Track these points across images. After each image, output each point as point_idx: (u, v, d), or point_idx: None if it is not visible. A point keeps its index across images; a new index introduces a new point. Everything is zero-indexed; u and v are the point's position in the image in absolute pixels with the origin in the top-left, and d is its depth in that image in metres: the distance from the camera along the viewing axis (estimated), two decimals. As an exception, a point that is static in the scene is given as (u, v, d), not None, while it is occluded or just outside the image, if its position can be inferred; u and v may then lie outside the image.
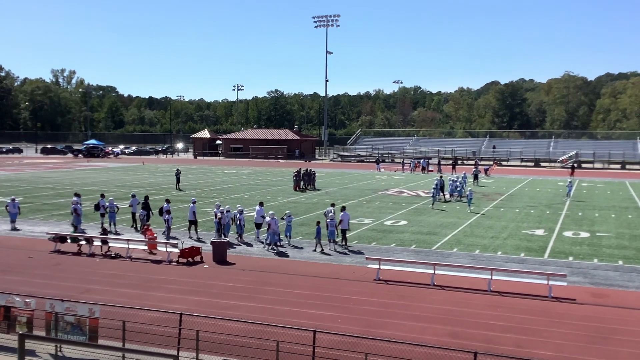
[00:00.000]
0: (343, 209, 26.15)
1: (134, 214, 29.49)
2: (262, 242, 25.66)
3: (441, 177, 44.16)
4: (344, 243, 25.30)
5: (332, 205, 27.91)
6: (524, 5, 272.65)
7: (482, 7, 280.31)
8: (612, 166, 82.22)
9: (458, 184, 42.40)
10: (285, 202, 39.87)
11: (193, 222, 27.29)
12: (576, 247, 25.81)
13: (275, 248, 24.84)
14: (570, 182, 45.04)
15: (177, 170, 49.80)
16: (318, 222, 25.26)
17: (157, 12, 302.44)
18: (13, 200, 29.45)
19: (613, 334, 15.12)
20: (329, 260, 23.02)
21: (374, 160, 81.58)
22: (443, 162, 73.21)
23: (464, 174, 48.60)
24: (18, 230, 28.50)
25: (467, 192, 37.99)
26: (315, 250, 24.45)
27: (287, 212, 26.38)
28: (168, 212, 27.04)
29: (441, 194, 41.04)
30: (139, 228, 28.70)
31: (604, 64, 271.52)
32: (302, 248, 25.07)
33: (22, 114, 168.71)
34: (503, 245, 26.07)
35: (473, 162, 69.87)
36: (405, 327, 15.49)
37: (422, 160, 72.52)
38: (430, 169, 69.72)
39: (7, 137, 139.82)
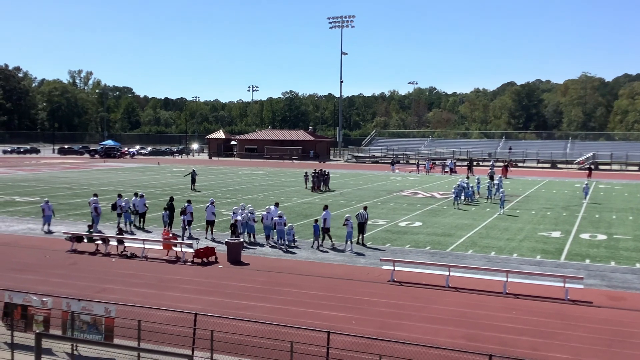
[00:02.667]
0: (325, 207, 26.53)
1: (141, 214, 29.68)
2: (275, 244, 25.72)
3: (468, 177, 44.13)
4: (322, 242, 25.55)
5: (325, 207, 27.09)
6: (540, 6, 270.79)
7: (498, 7, 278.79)
8: (629, 168, 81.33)
9: (494, 184, 42.35)
10: (300, 202, 39.91)
11: (211, 223, 27.40)
12: (593, 249, 25.56)
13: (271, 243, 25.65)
14: (586, 184, 44.57)
15: (193, 170, 50.00)
16: (316, 221, 25.71)
17: (173, 13, 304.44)
18: (47, 202, 29.03)
19: (630, 338, 14.95)
20: (343, 261, 23.01)
21: (389, 161, 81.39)
22: (459, 164, 72.70)
23: (500, 177, 48.26)
24: (52, 232, 28.11)
25: (500, 194, 37.46)
26: (312, 247, 25.08)
27: (279, 212, 26.33)
28: (191, 213, 27.17)
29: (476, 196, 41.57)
30: (142, 227, 29.39)
31: (621, 64, 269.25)
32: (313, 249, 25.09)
33: (39, 114, 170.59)
34: (519, 247, 25.89)
35: (506, 163, 68.40)
36: (420, 329, 15.43)
37: (449, 162, 71.47)
38: (455, 170, 68.82)
39: (25, 137, 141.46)
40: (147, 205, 30.34)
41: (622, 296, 18.63)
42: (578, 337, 15.00)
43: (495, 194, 41.09)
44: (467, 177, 44.73)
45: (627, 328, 15.65)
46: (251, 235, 26.52)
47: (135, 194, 30.53)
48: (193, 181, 48.60)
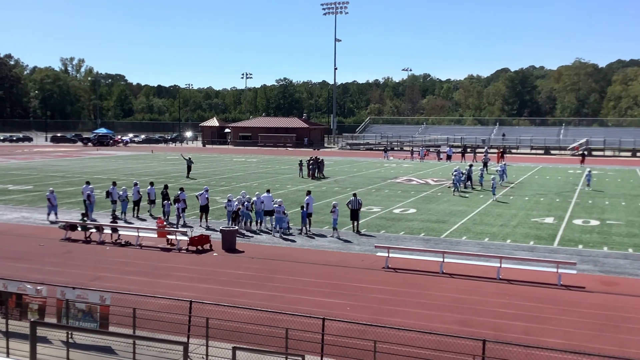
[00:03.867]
0: (308, 193, 26.73)
1: (135, 202, 29.67)
2: (270, 231, 25.80)
3: (471, 166, 44.11)
4: (308, 228, 25.67)
5: (308, 192, 27.31)
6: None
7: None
8: (622, 154, 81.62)
9: (498, 171, 42.66)
10: (294, 190, 39.91)
11: (205, 210, 27.38)
12: (586, 235, 25.71)
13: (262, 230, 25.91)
14: (589, 171, 44.33)
15: (189, 158, 49.72)
16: (302, 207, 25.83)
17: (166, 0, 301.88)
18: (52, 192, 28.65)
19: (623, 322, 15.09)
20: (337, 248, 23.07)
21: (383, 148, 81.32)
22: (457, 150, 72.60)
23: (504, 163, 48.29)
24: (57, 222, 27.18)
25: (491, 181, 37.41)
26: (300, 234, 25.26)
27: (279, 200, 26.36)
28: (184, 200, 27.22)
29: (468, 182, 41.42)
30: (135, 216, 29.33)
31: (615, 50, 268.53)
32: (311, 237, 25.14)
33: (31, 102, 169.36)
34: (512, 233, 26.00)
35: (501, 149, 67.98)
36: (414, 314, 15.52)
37: (448, 149, 71.13)
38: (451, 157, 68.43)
39: (17, 125, 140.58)
40: (140, 192, 30.26)
41: (615, 281, 18.76)
42: (571, 322, 15.12)
43: (501, 181, 41.82)
44: (470, 165, 44.52)
45: (620, 313, 15.78)
46: (246, 223, 26.57)
47: (151, 183, 31.17)
48: (189, 169, 48.55)
